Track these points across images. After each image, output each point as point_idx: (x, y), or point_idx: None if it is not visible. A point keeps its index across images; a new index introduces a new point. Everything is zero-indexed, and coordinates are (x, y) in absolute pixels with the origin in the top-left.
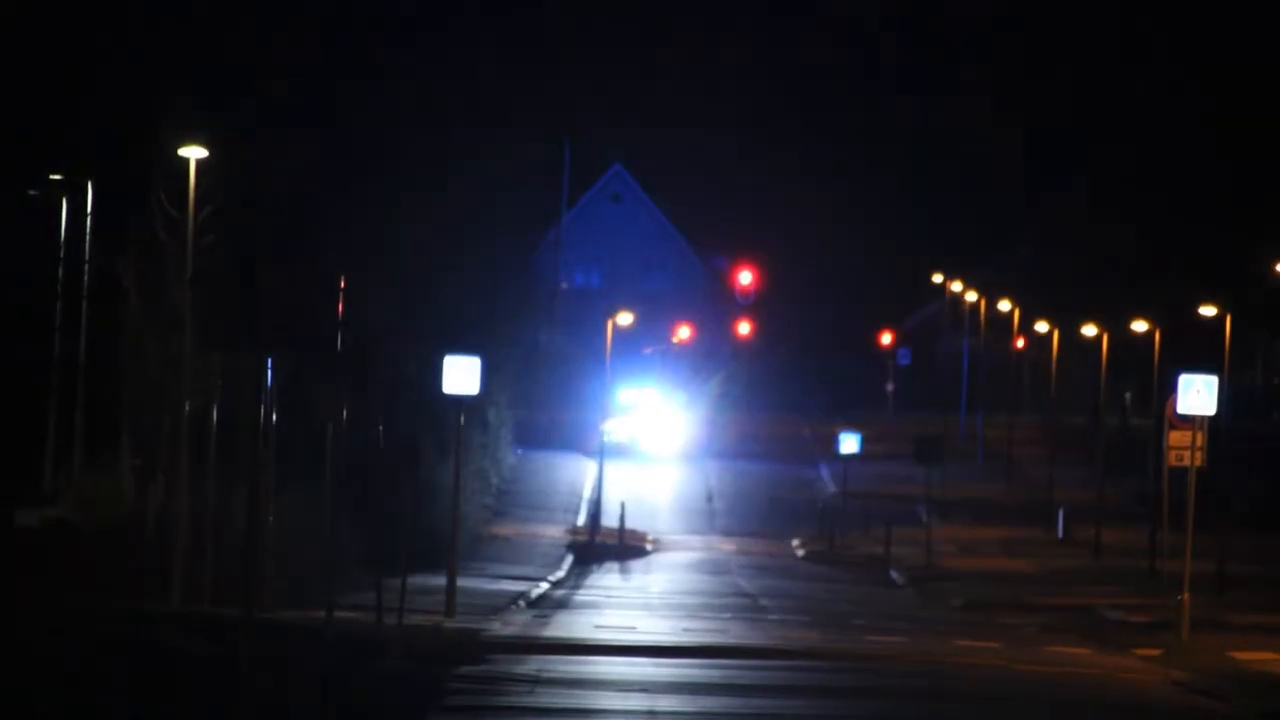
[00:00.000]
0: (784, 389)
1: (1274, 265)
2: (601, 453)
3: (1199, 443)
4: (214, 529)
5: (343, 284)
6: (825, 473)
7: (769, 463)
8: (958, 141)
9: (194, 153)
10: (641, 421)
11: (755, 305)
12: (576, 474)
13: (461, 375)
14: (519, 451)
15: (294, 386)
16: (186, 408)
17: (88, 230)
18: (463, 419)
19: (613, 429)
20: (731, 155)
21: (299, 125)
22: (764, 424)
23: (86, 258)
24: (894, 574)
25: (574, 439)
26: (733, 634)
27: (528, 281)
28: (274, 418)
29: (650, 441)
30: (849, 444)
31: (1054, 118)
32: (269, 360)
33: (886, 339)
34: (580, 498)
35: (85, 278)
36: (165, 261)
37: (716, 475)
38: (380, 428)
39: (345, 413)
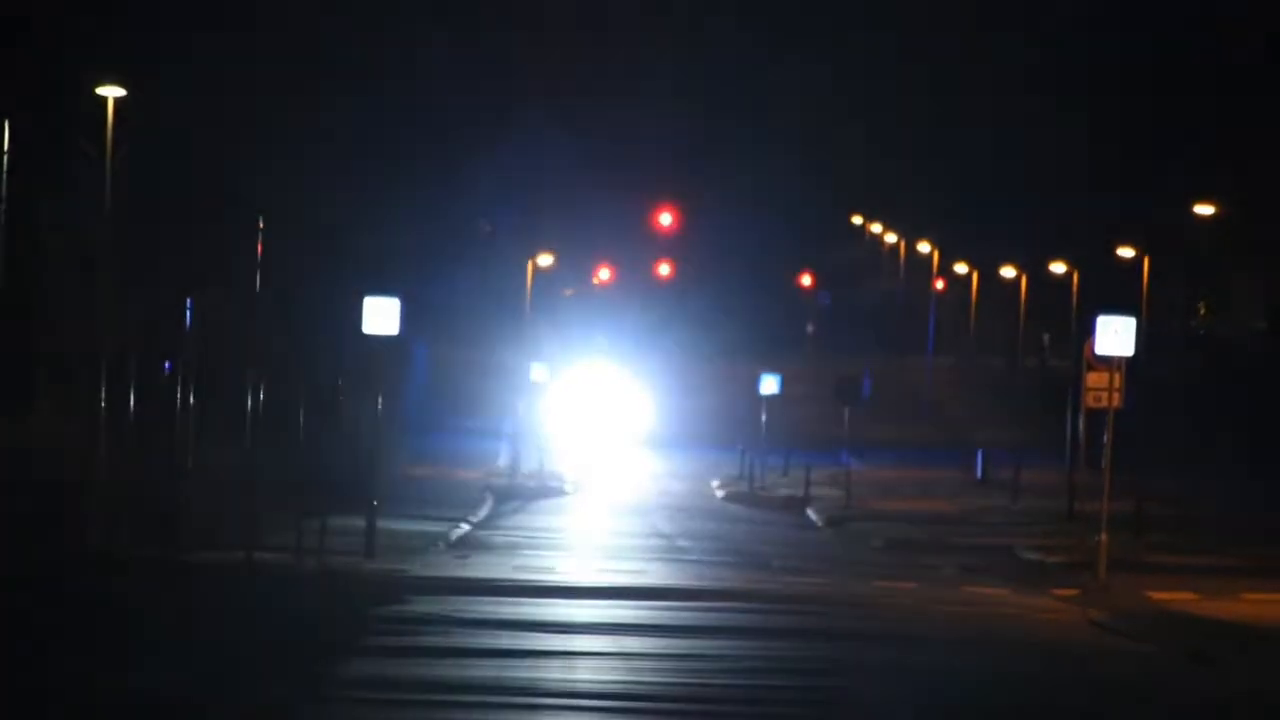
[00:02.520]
0: (705, 331)
1: (1191, 207)
2: (514, 435)
3: (1117, 384)
4: (133, 470)
5: (261, 224)
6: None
7: (715, 450)
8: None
9: (112, 91)
10: (594, 403)
11: (676, 246)
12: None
13: (381, 316)
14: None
15: (214, 326)
16: (105, 347)
17: (4, 168)
18: (382, 359)
19: (549, 414)
20: (659, 95)
21: (221, 65)
22: (693, 374)
23: (3, 195)
24: (813, 515)
25: (494, 407)
26: (651, 575)
27: (448, 223)
28: (194, 358)
29: (606, 425)
30: (769, 385)
31: (975, 59)
32: (188, 300)
33: (807, 280)
34: (501, 438)
35: (1, 216)
36: (83, 200)
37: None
38: (301, 368)
39: (265, 353)
